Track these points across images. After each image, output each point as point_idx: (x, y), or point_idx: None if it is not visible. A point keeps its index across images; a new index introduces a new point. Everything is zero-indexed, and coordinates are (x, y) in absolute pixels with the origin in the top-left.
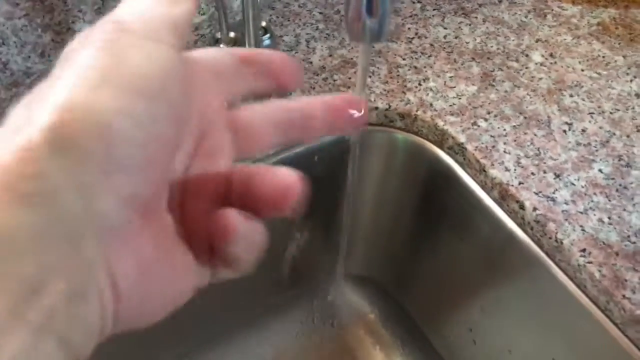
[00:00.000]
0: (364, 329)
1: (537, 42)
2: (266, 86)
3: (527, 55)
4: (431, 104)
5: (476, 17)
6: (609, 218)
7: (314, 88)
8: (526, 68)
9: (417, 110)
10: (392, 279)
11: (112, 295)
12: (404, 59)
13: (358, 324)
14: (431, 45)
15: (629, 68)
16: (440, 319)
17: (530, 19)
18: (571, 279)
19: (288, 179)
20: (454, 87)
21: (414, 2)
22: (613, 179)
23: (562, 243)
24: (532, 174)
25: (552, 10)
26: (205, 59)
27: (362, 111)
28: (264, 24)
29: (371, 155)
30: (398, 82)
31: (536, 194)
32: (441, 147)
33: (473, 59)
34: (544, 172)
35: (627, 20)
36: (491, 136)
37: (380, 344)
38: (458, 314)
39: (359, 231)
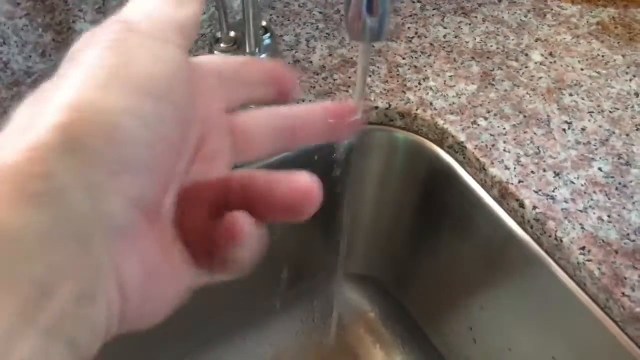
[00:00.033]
0: (364, 328)
1: (536, 41)
2: (267, 94)
3: (526, 55)
4: (431, 103)
5: (476, 17)
6: (609, 216)
7: (314, 87)
8: (526, 67)
9: (417, 109)
10: (392, 277)
11: (119, 296)
12: (403, 58)
13: (358, 323)
14: (431, 44)
15: (628, 67)
16: (440, 317)
17: (530, 18)
18: (571, 277)
19: (306, 184)
20: (454, 86)
21: (413, 2)
22: (612, 177)
23: (561, 241)
24: (532, 172)
25: (552, 9)
26: (209, 64)
27: (359, 116)
28: (264, 23)
29: (371, 154)
30: (398, 81)
31: (536, 192)
32: (441, 145)
33: (473, 58)
34: (544, 170)
35: (626, 20)
36: (491, 135)
37: (381, 343)
38: (458, 312)
39: (359, 230)
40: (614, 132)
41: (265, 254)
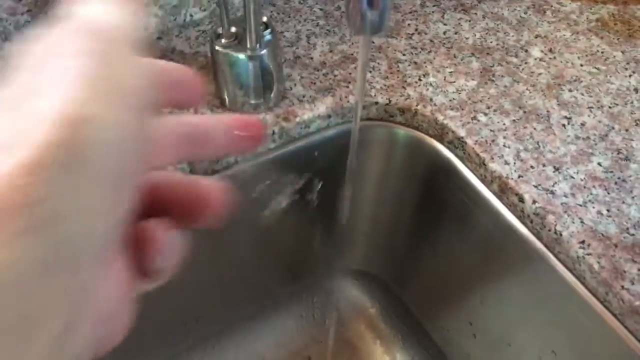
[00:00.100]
0: (364, 324)
1: (536, 37)
2: (171, 100)
3: (526, 51)
4: (431, 99)
5: (476, 13)
6: (608, 210)
7: (314, 83)
8: (525, 63)
9: (417, 105)
10: (393, 273)
11: (96, 320)
12: (404, 55)
13: (359, 319)
14: (431, 41)
15: (627, 63)
16: (441, 312)
17: (530, 15)
18: (570, 271)
19: (212, 189)
20: (454, 82)
21: None
22: (612, 172)
23: (561, 235)
24: (532, 167)
25: (552, 6)
26: None
27: (260, 132)
28: (265, 19)
29: (371, 150)
30: (398, 77)
31: (535, 187)
32: (441, 141)
33: (473, 54)
34: (544, 165)
35: (625, 16)
36: (491, 130)
37: (381, 339)
38: (458, 307)
39: (359, 226)
40: (613, 128)
41: (266, 251)
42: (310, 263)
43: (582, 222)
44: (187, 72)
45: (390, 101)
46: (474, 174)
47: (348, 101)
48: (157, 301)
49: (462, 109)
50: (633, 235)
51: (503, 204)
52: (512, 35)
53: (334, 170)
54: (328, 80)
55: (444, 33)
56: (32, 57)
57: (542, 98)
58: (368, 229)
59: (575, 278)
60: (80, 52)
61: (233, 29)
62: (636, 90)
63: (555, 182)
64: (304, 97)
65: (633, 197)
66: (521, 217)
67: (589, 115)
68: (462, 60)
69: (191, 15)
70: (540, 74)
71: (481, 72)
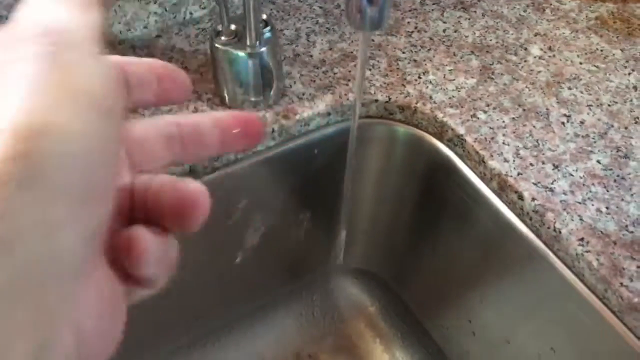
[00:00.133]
0: (364, 322)
1: (535, 35)
2: (157, 96)
3: (525, 49)
4: (431, 97)
5: (475, 12)
6: (607, 208)
7: (314, 81)
8: (525, 61)
9: (416, 103)
10: (392, 271)
11: (76, 340)
12: (403, 53)
13: (358, 317)
14: (431, 39)
15: (626, 61)
16: (440, 311)
17: (529, 13)
18: (569, 268)
19: (193, 192)
20: (454, 79)
21: None
22: (611, 169)
23: (560, 232)
24: (531, 164)
25: (551, 4)
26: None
27: (258, 129)
28: (264, 17)
29: (371, 147)
30: (398, 75)
31: (535, 184)
32: (441, 139)
33: (472, 52)
34: (543, 163)
35: (625, 14)
36: (490, 128)
37: (380, 337)
38: (457, 305)
39: (358, 224)
40: (612, 126)
41: (266, 249)
42: (310, 261)
43: (581, 219)
44: (171, 68)
45: (389, 99)
46: (474, 171)
47: (348, 99)
48: (157, 299)
49: (462, 107)
50: (632, 232)
51: (502, 201)
52: (512, 33)
53: (333, 169)
54: (328, 78)
55: (444, 31)
56: None
57: (541, 96)
58: (368, 226)
59: (575, 275)
60: (34, 55)
61: (233, 27)
62: (635, 88)
63: (555, 180)
64: (303, 94)
65: (632, 195)
66: (520, 215)
67: (588, 113)
68: (461, 58)
69: (191, 13)
70: (539, 72)
71: (481, 70)
